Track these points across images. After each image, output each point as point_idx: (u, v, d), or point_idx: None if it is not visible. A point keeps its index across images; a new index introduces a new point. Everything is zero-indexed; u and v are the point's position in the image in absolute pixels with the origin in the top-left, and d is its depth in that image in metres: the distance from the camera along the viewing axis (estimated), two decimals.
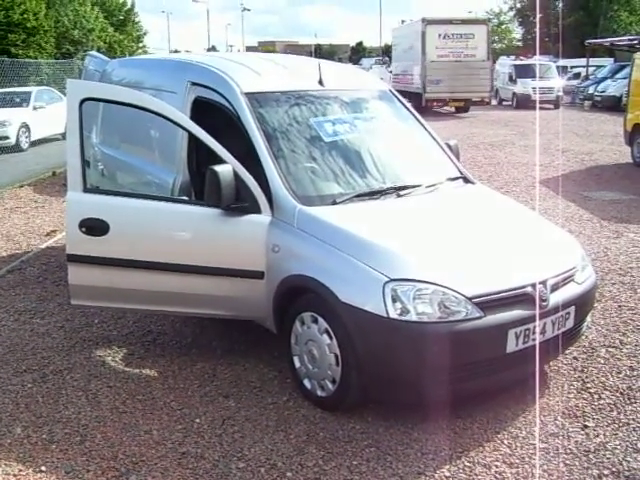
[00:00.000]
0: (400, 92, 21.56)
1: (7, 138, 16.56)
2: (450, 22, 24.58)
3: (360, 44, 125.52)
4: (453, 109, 25.58)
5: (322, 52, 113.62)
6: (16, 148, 16.48)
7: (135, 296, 4.49)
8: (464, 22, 25.20)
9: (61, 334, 5.25)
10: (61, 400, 4.24)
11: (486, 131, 19.09)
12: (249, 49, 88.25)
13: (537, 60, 31.73)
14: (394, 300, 3.58)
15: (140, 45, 53.00)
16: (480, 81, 24.10)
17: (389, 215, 4.27)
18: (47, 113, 17.64)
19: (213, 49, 73.62)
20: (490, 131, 19.05)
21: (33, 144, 17.26)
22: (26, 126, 17.12)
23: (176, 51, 56.28)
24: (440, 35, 24.12)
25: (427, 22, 24.20)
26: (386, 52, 58.92)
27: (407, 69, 26.74)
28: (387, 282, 3.61)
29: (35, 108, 17.68)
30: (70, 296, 4.62)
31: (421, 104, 23.61)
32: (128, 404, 4.17)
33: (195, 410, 4.08)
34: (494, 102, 25.55)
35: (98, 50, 37.80)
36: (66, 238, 4.60)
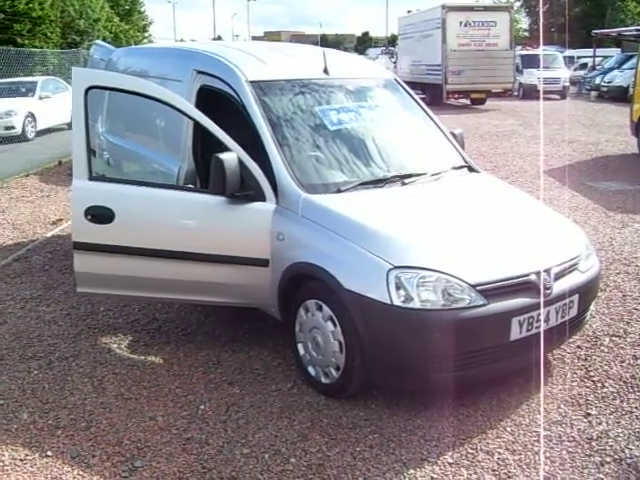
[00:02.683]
0: (411, 84, 21.17)
1: (13, 128, 16.57)
2: (472, 9, 23.56)
3: (366, 34, 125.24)
4: (468, 101, 24.58)
5: (328, 42, 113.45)
6: (22, 138, 16.50)
7: (141, 284, 4.51)
8: (486, 9, 24.05)
9: (67, 321, 5.28)
10: (67, 386, 4.27)
11: (492, 121, 19.02)
12: (255, 39, 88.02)
13: (541, 50, 31.29)
14: (398, 287, 3.58)
15: (146, 35, 52.93)
16: (503, 71, 23.03)
17: (393, 203, 4.27)
18: (53, 103, 17.64)
19: (219, 39, 73.40)
20: (496, 121, 18.98)
21: (39, 134, 17.26)
22: (32, 116, 17.13)
23: (182, 40, 56.11)
24: (461, 23, 22.88)
25: (448, 9, 22.87)
26: (392, 42, 58.72)
27: (421, 59, 25.55)
28: (391, 269, 3.62)
29: (41, 98, 17.68)
30: (76, 284, 4.65)
31: (441, 96, 22.82)
32: (133, 391, 4.20)
33: (200, 396, 4.11)
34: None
35: (104, 40, 37.81)
36: (72, 226, 4.62)
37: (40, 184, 11.04)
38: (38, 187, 10.78)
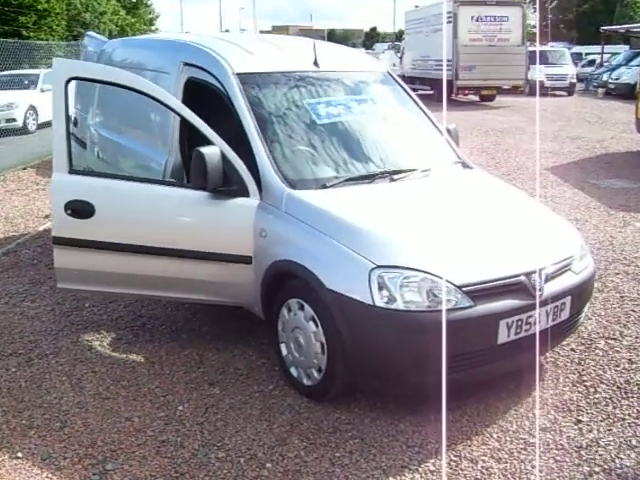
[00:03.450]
0: (419, 79, 21.02)
1: (14, 120, 16.51)
2: (484, 3, 22.83)
3: (374, 29, 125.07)
4: (477, 98, 24.09)
5: (336, 37, 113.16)
6: (23, 130, 16.43)
7: (121, 280, 4.39)
8: (498, 3, 23.17)
9: (50, 317, 5.18)
10: (44, 385, 4.16)
11: (497, 117, 18.84)
12: (263, 33, 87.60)
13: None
14: (380, 288, 3.45)
15: (152, 28, 52.82)
16: (514, 67, 22.49)
17: (380, 200, 4.13)
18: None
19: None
20: (501, 117, 18.80)
21: (40, 126, 17.16)
22: (33, 108, 17.06)
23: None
24: (473, 17, 22.34)
25: (459, 3, 22.26)
26: (399, 37, 58.39)
27: (430, 54, 24.92)
28: (373, 269, 3.49)
29: (43, 90, 17.54)
30: (56, 279, 4.54)
31: (451, 92, 22.43)
32: (111, 390, 4.09)
33: (179, 397, 3.99)
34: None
35: (110, 33, 37.70)
36: (52, 221, 4.51)
37: (36, 177, 10.95)
38: (34, 180, 10.69)
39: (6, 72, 17.04)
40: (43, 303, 5.47)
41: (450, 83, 22.59)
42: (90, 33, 7.78)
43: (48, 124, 17.29)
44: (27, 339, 4.80)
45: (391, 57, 33.83)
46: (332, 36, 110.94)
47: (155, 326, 5.01)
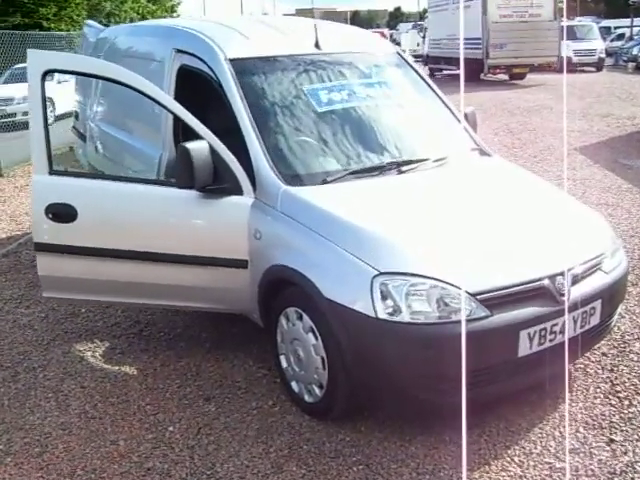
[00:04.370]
0: (445, 59, 20.32)
1: None
2: None
3: (398, 9, 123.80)
4: (507, 76, 23.08)
5: (360, 18, 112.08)
6: None
7: (109, 288, 4.06)
8: None
9: (43, 325, 4.88)
10: (28, 403, 3.86)
11: (524, 95, 18.15)
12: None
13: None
14: (384, 297, 3.06)
15: (174, 15, 52.44)
16: (547, 44, 21.40)
17: (386, 195, 3.72)
18: (72, 87, 17.26)
19: None
20: (528, 95, 18.12)
21: (58, 118, 16.90)
22: (50, 100, 16.80)
23: None
24: None
25: None
26: (423, 17, 57.41)
27: (457, 32, 23.56)
28: (376, 276, 3.10)
29: (59, 82, 17.33)
30: (42, 288, 4.23)
31: (479, 71, 21.62)
32: (99, 408, 3.77)
33: (170, 416, 3.66)
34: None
35: (131, 21, 37.42)
36: (32, 225, 4.20)
37: None
38: None
39: (24, 64, 16.82)
40: (37, 309, 5.18)
41: (480, 62, 21.80)
42: (89, 22, 7.47)
43: (65, 116, 17.15)
44: (16, 350, 4.51)
45: (414, 37, 33.09)
46: (356, 17, 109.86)
47: (152, 333, 4.70)
